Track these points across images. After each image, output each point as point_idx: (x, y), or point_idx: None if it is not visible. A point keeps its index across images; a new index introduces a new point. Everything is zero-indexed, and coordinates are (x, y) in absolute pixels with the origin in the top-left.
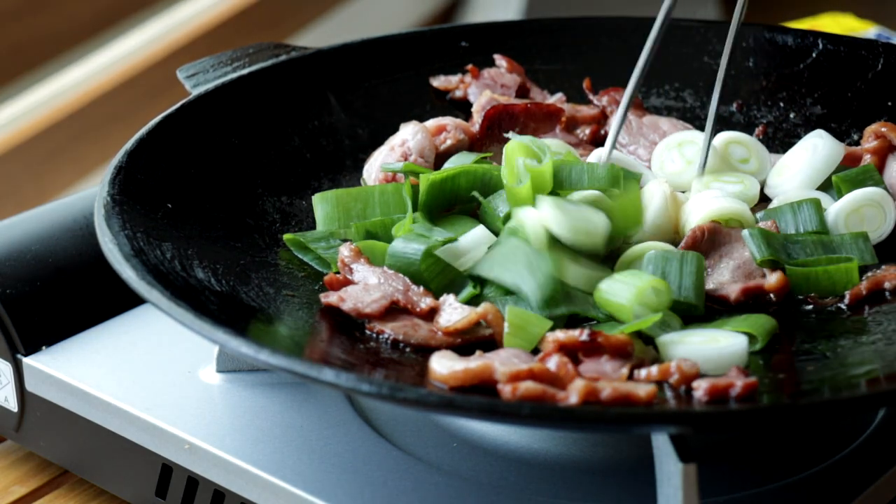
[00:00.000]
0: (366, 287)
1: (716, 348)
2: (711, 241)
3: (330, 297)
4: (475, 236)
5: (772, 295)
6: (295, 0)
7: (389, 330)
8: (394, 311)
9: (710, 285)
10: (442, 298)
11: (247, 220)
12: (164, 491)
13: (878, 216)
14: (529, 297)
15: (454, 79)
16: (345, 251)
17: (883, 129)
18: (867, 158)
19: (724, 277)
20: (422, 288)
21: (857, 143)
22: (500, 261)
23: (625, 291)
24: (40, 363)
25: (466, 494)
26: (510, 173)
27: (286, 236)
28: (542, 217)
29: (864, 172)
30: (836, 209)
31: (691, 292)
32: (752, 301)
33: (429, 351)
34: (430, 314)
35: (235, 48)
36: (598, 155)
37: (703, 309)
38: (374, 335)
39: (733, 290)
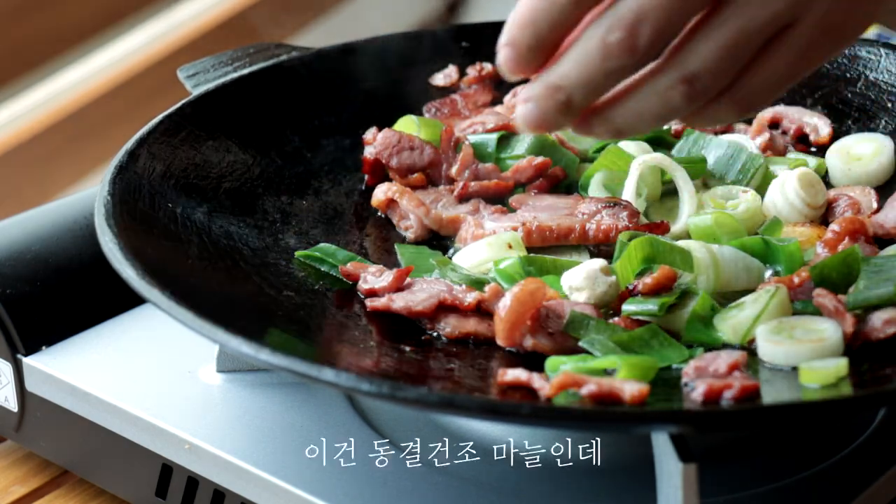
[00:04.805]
0: (411, 290)
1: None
2: None
3: (376, 302)
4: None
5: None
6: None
7: (443, 325)
8: (444, 308)
9: None
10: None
11: (247, 220)
12: (164, 491)
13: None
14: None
15: (454, 75)
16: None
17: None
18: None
19: None
20: (464, 286)
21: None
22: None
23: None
24: (40, 363)
25: (466, 494)
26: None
27: (298, 253)
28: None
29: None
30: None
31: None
32: None
33: (487, 344)
34: (477, 307)
35: (235, 48)
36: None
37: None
38: (372, 335)
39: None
